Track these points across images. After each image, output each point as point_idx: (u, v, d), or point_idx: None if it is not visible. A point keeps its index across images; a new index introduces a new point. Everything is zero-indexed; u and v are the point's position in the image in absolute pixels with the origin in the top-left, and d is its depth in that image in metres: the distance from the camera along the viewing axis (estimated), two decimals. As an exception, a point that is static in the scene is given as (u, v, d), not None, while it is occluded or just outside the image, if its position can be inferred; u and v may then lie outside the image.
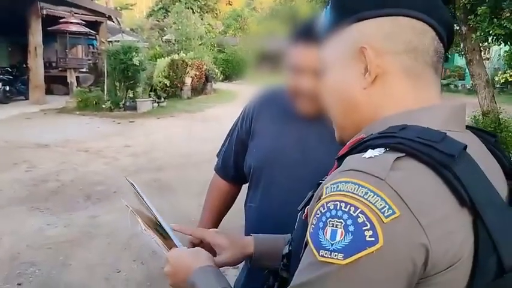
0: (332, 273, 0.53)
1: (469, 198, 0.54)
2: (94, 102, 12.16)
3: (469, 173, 0.56)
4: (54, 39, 14.12)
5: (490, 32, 3.50)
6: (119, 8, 24.73)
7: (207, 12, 27.49)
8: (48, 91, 14.08)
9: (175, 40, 19.34)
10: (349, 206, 0.53)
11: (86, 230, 4.36)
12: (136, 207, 1.04)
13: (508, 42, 3.92)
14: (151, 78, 13.94)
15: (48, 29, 13.35)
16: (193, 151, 7.64)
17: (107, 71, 12.27)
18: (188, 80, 15.67)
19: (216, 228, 1.55)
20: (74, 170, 6.47)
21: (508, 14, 3.47)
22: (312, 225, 0.56)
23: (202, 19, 22.66)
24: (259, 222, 1.37)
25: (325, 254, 0.53)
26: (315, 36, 1.14)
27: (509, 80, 15.59)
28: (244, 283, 1.40)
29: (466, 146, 0.57)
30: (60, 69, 14.63)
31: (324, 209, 0.55)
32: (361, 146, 0.61)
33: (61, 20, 13.66)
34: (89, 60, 14.77)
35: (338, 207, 0.53)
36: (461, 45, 4.20)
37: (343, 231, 0.52)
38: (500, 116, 3.96)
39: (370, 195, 0.52)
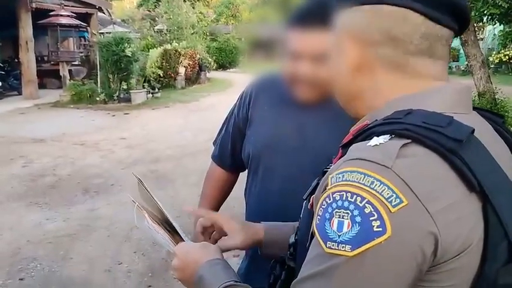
0: (340, 265, 0.52)
1: (478, 184, 0.53)
2: (88, 95, 12.07)
3: (477, 157, 0.54)
4: (45, 32, 13.94)
5: (485, 12, 3.48)
6: (109, -1, 24.42)
7: (198, 0, 27.21)
8: (41, 85, 13.96)
9: (167, 30, 19.16)
10: (355, 196, 0.52)
11: (85, 223, 4.36)
12: (141, 203, 1.03)
13: (503, 22, 3.90)
14: (144, 69, 13.83)
15: (39, 22, 13.17)
16: (189, 141, 7.63)
17: (100, 63, 12.17)
18: (182, 70, 15.57)
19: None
20: (71, 163, 6.45)
21: (502, -7, 3.45)
22: (318, 216, 0.55)
23: (193, 8, 22.44)
24: (260, 209, 1.37)
25: (333, 245, 0.52)
26: (312, 21, 1.12)
27: (504, 60, 15.58)
28: (245, 273, 1.39)
29: (473, 130, 0.56)
30: (52, 62, 14.47)
31: (329, 199, 0.54)
32: (365, 133, 0.59)
33: (51, 13, 13.48)
34: (81, 52, 14.61)
35: (344, 198, 0.52)
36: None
37: (350, 222, 0.51)
38: (496, 97, 3.95)
39: (376, 185, 0.51)
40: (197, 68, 16.63)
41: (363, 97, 0.67)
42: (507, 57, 15.48)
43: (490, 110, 0.74)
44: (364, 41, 0.63)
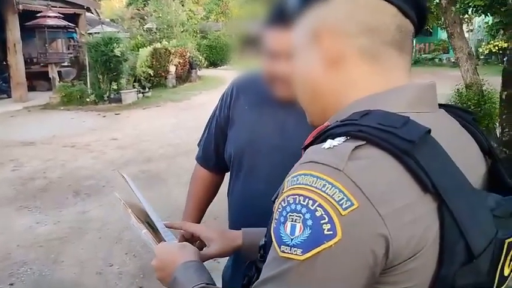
0: (292, 269, 0.52)
1: (432, 185, 0.52)
2: (78, 96, 11.99)
3: (432, 158, 0.54)
4: (32, 34, 13.81)
5: (470, 4, 3.49)
6: (97, -1, 24.24)
7: (187, -2, 27.07)
8: (31, 87, 13.83)
9: (156, 28, 19.05)
10: (307, 199, 0.52)
11: (76, 225, 4.33)
12: (128, 200, 1.05)
13: (487, 13, 3.92)
14: (134, 68, 13.75)
15: (26, 24, 13.05)
16: (181, 140, 7.60)
17: (89, 64, 12.08)
18: (172, 69, 15.51)
19: (201, 217, 1.56)
20: (62, 166, 6.41)
21: (486, -15, 3.47)
22: (275, 220, 0.55)
23: (183, 5, 22.30)
24: (242, 210, 1.37)
25: (286, 249, 0.52)
26: (289, 19, 1.12)
27: (493, 50, 15.65)
28: (232, 271, 1.41)
29: (429, 130, 0.55)
30: (41, 64, 14.31)
31: (284, 203, 0.54)
32: (324, 135, 0.59)
33: (38, 15, 13.36)
34: (70, 53, 14.47)
35: (297, 201, 0.52)
36: (442, 18, 4.18)
37: (302, 225, 0.51)
38: (483, 88, 3.97)
39: (328, 188, 0.51)
40: (188, 66, 16.57)
41: (333, 95, 0.66)
42: (496, 47, 15.56)
43: (459, 107, 0.73)
44: (342, 32, 0.63)
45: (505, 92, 3.70)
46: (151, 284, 3.25)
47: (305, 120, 1.28)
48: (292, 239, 0.52)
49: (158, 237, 0.99)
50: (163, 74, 15.22)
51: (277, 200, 0.57)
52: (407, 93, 0.62)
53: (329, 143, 0.55)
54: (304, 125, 1.24)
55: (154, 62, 14.84)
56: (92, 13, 16.98)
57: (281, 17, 1.13)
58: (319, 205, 0.51)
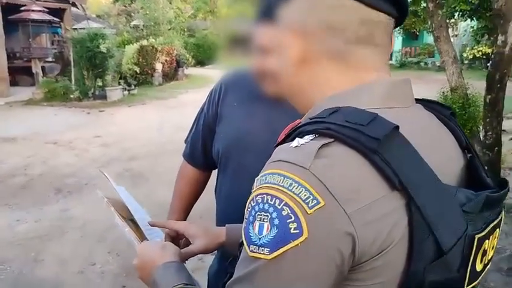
0: (260, 269, 0.52)
1: (399, 181, 0.52)
2: (62, 92, 11.83)
3: (399, 154, 0.54)
4: (16, 28, 13.60)
5: (456, 8, 3.52)
6: (83, -6, 23.95)
7: (175, -4, 26.93)
8: (13, 83, 13.60)
9: (143, 25, 18.92)
10: (274, 198, 0.52)
11: (58, 224, 4.26)
12: (112, 198, 1.05)
13: (474, 17, 3.97)
14: (120, 65, 13.63)
15: (10, 17, 12.84)
16: (166, 139, 7.54)
17: (74, 60, 11.93)
18: (159, 66, 15.41)
19: (187, 215, 1.54)
20: (43, 163, 6.30)
21: (472, -10, 3.51)
22: (245, 219, 0.55)
23: (170, 3, 22.17)
24: (229, 207, 1.36)
25: (254, 249, 0.53)
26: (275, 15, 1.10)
27: (477, 55, 15.91)
28: (218, 266, 1.40)
29: (397, 126, 0.55)
30: (24, 59, 14.12)
31: (253, 202, 0.54)
32: (295, 133, 0.59)
33: (22, 8, 13.16)
34: (54, 49, 14.30)
35: (265, 200, 0.52)
36: (429, 22, 4.21)
37: (269, 224, 0.51)
38: (468, 92, 4.01)
39: (294, 186, 0.51)
40: (175, 64, 16.49)
41: (306, 93, 0.66)
42: (480, 53, 15.81)
43: (437, 102, 0.73)
44: (304, 33, 0.62)
45: (489, 96, 3.75)
46: (134, 283, 3.20)
47: (294, 117, 1.28)
48: (260, 238, 0.52)
49: (141, 235, 0.98)
50: (149, 71, 15.12)
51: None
52: (379, 88, 0.62)
53: (297, 141, 0.55)
54: (293, 121, 1.24)
55: (140, 60, 14.74)
56: (78, 8, 16.77)
57: (266, 13, 1.12)
58: (286, 204, 0.51)
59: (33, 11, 13.11)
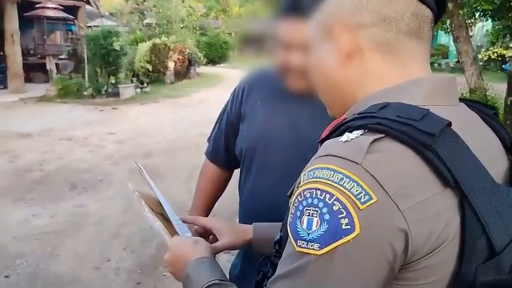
0: (309, 264, 0.51)
1: (453, 179, 0.51)
2: (75, 89, 11.91)
3: (452, 151, 0.52)
4: (31, 25, 13.73)
5: (478, 8, 3.47)
6: (97, -8, 24.11)
7: (187, -6, 27.00)
8: (28, 79, 13.72)
9: (156, 24, 19.00)
10: (324, 193, 0.50)
11: (73, 219, 4.28)
12: (142, 192, 1.03)
13: (495, 17, 3.91)
14: (133, 63, 13.70)
15: (25, 14, 12.96)
16: (179, 136, 7.56)
17: (87, 57, 12.00)
18: (171, 65, 15.46)
19: (208, 213, 1.54)
20: (58, 159, 6.35)
21: (495, -11, 3.45)
22: (291, 215, 0.54)
23: (183, 1, 22.24)
24: (253, 205, 1.35)
25: (303, 244, 0.51)
26: (303, 10, 1.10)
27: (492, 57, 15.72)
28: (241, 268, 1.39)
29: (450, 123, 0.54)
30: (38, 56, 14.25)
31: (301, 197, 0.53)
32: (341, 128, 0.58)
33: (37, 5, 13.27)
34: (68, 46, 14.39)
35: (314, 195, 0.51)
36: (448, 22, 4.16)
37: (319, 220, 0.50)
38: (487, 93, 3.96)
39: (345, 181, 0.50)
40: (187, 62, 16.52)
41: (349, 89, 0.65)
42: (495, 54, 15.62)
43: (480, 102, 0.72)
44: (355, 24, 0.62)
45: (510, 98, 3.69)
46: (149, 280, 3.21)
47: (318, 115, 1.27)
48: (309, 234, 0.51)
49: (172, 230, 0.98)
50: (161, 69, 15.17)
51: (293, 194, 0.56)
52: (426, 85, 0.61)
53: (346, 136, 0.54)
54: (317, 119, 1.22)
55: (153, 58, 14.79)
56: (92, 6, 16.88)
57: (294, 8, 1.12)
58: (337, 199, 0.50)
59: (48, 8, 13.22)
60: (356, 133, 0.54)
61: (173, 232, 0.97)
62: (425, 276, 0.52)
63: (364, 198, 0.49)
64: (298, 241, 0.52)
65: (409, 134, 0.52)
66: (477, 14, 3.56)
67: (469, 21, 4.25)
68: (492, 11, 3.52)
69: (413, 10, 0.61)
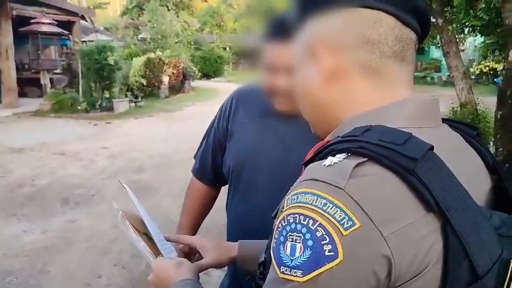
0: None
1: (436, 203, 0.51)
2: (69, 103, 11.89)
3: (435, 176, 0.52)
4: (25, 40, 13.76)
5: (466, 24, 3.52)
6: (92, 7, 24.28)
7: (182, 9, 27.21)
8: (22, 94, 13.69)
9: (150, 38, 19.11)
10: (307, 219, 0.50)
11: (64, 235, 4.24)
12: (127, 211, 1.02)
13: (484, 33, 3.97)
14: (127, 77, 13.72)
15: (20, 30, 12.99)
16: (173, 150, 7.54)
17: (82, 72, 12.02)
18: (165, 79, 15.50)
19: (196, 231, 1.52)
20: (51, 174, 6.31)
21: (483, 5, 3.50)
22: (275, 239, 0.53)
23: (178, 16, 22.42)
24: (240, 223, 1.34)
25: (285, 270, 0.51)
26: (288, 33, 1.11)
27: (484, 71, 15.88)
28: (229, 286, 1.37)
29: (432, 147, 0.54)
30: (33, 71, 14.24)
31: (284, 222, 0.52)
32: (325, 151, 0.57)
33: (32, 21, 13.31)
34: (63, 61, 14.41)
35: (297, 221, 0.51)
36: (438, 37, 4.22)
37: (302, 246, 0.50)
38: (477, 107, 3.99)
39: (329, 207, 0.49)
40: (181, 77, 16.58)
41: (333, 110, 0.65)
42: (487, 68, 15.79)
43: (463, 122, 0.72)
44: (339, 46, 0.62)
45: (500, 112, 3.72)
46: (140, 297, 3.17)
47: (306, 134, 1.27)
48: (292, 260, 0.50)
49: (156, 250, 0.97)
50: (156, 84, 15.20)
51: (277, 218, 0.55)
52: (408, 107, 0.61)
53: (330, 160, 0.54)
54: (305, 138, 1.22)
55: (147, 72, 14.84)
56: (87, 21, 16.97)
57: (279, 32, 1.11)
58: (320, 225, 0.49)
59: (43, 23, 13.25)
60: (339, 157, 0.54)
61: (157, 252, 0.96)
62: None
63: (347, 224, 0.49)
64: (281, 267, 0.51)
65: (391, 159, 0.52)
66: (466, 30, 3.62)
67: (458, 37, 4.29)
68: (481, 27, 3.58)
69: (397, 33, 0.61)
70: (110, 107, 11.99)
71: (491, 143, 3.94)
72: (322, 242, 0.49)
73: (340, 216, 0.49)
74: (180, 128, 9.91)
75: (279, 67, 1.14)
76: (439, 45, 4.32)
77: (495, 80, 14.86)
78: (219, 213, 1.71)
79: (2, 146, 7.88)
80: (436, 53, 19.16)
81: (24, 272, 3.50)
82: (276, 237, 0.53)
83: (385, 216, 0.50)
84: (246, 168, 1.30)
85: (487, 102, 3.98)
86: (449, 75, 4.09)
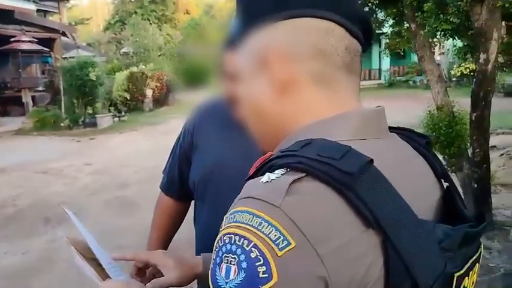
0: None
1: (374, 219, 0.49)
2: (52, 121, 11.80)
3: (373, 190, 0.51)
4: (6, 58, 13.65)
5: (437, 28, 3.58)
6: (73, 23, 24.20)
7: (165, 22, 27.29)
8: (4, 113, 13.58)
9: (133, 52, 19.07)
10: (242, 239, 0.48)
11: (46, 255, 4.19)
12: (73, 237, 1.03)
13: (455, 37, 4.04)
14: (110, 92, 13.67)
15: (-1, 48, 12.91)
16: (157, 164, 7.42)
17: (64, 88, 11.95)
18: (149, 92, 15.46)
19: (166, 247, 1.50)
20: (33, 193, 6.23)
21: (453, 9, 3.57)
22: (212, 260, 0.51)
23: (160, 30, 22.44)
24: (208, 237, 1.32)
25: None
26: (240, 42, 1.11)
27: (465, 73, 16.10)
28: None
29: (371, 160, 0.52)
30: (15, 89, 14.11)
31: (221, 242, 0.50)
32: (266, 167, 0.55)
33: (12, 39, 13.22)
34: (45, 78, 14.31)
35: (232, 241, 0.49)
36: (413, 42, 4.28)
37: (237, 268, 0.47)
38: (454, 110, 4.04)
39: (264, 226, 0.47)
40: (165, 89, 16.54)
41: (282, 123, 0.63)
42: (468, 70, 16.02)
43: (413, 131, 0.71)
44: (291, 57, 0.60)
45: (475, 114, 3.77)
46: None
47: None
48: (226, 283, 0.48)
49: (105, 274, 0.96)
50: (139, 97, 15.15)
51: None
52: (352, 119, 0.59)
53: (267, 176, 0.52)
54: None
55: (130, 86, 14.78)
56: (68, 37, 16.89)
57: (235, 40, 1.12)
58: (255, 245, 0.47)
59: (22, 41, 13.17)
60: (277, 173, 0.52)
61: (106, 276, 0.95)
62: None
63: (282, 243, 0.47)
64: None
65: (329, 174, 0.50)
66: (438, 34, 3.67)
67: (434, 40, 4.36)
68: (452, 31, 3.65)
69: (347, 44, 0.61)
70: (94, 123, 11.91)
71: (468, 144, 3.98)
72: (257, 264, 0.47)
73: (275, 236, 0.47)
74: (164, 141, 9.83)
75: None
76: (414, 50, 4.37)
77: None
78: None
79: (-17, 167, 7.77)
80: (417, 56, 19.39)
81: (4, 295, 3.44)
82: (214, 258, 0.51)
83: (322, 234, 0.48)
84: (211, 181, 1.30)
85: (467, 103, 4.00)
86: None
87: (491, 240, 3.88)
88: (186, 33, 27.46)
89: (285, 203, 0.48)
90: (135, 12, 25.24)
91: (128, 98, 14.47)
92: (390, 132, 0.66)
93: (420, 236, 0.52)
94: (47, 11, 19.26)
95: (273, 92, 0.62)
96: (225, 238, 0.50)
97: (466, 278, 0.57)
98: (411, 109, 7.98)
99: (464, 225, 0.58)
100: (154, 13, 27.28)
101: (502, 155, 6.55)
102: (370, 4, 4.99)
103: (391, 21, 5.29)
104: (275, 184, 0.50)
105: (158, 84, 15.93)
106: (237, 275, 0.47)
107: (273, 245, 0.47)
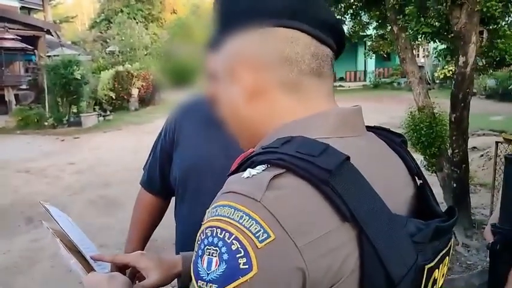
0: None
1: (350, 213, 0.52)
2: (35, 120, 11.66)
3: (350, 185, 0.53)
4: (-12, 56, 13.44)
5: (419, 31, 3.64)
6: (58, 21, 23.93)
7: (152, 21, 27.10)
8: (-14, 111, 13.35)
9: (119, 51, 18.92)
10: (224, 232, 0.50)
11: (27, 254, 4.15)
12: (58, 229, 1.00)
13: (435, 40, 4.11)
14: (95, 91, 13.55)
15: (-19, 46, 12.71)
16: (141, 164, 7.32)
17: (48, 87, 11.81)
18: (135, 91, 15.36)
19: (145, 244, 1.51)
20: (14, 192, 6.16)
21: (433, 13, 3.63)
22: (195, 252, 0.53)
23: (147, 29, 22.29)
24: (188, 235, 1.33)
25: (202, 284, 0.50)
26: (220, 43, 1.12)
27: (448, 75, 16.31)
28: None
29: (348, 157, 0.55)
30: (-3, 87, 13.91)
31: (203, 235, 0.52)
32: (247, 163, 0.58)
33: (-6, 37, 13.04)
34: (29, 76, 14.12)
35: (214, 234, 0.51)
36: (395, 44, 4.34)
37: (218, 259, 0.50)
38: (434, 111, 4.11)
39: (245, 219, 0.50)
40: (151, 89, 16.45)
41: (257, 125, 0.66)
42: (451, 72, 16.24)
43: (388, 130, 0.74)
44: (259, 65, 0.63)
45: (454, 115, 3.84)
46: (104, 314, 3.12)
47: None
48: (208, 274, 0.50)
49: (89, 267, 0.95)
50: (125, 97, 15.05)
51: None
52: (330, 117, 0.62)
53: (248, 172, 0.54)
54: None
55: (116, 85, 14.67)
56: (52, 35, 16.69)
57: (214, 42, 1.13)
58: (236, 238, 0.49)
59: (5, 39, 12.99)
60: (258, 168, 0.54)
61: (90, 269, 0.94)
62: None
63: (262, 236, 0.49)
64: (199, 281, 0.51)
65: (307, 170, 0.52)
66: (419, 37, 3.74)
67: (416, 43, 4.44)
68: (432, 34, 3.72)
69: (314, 51, 0.63)
70: (78, 122, 11.80)
71: (448, 145, 4.05)
72: (237, 255, 0.49)
73: (255, 229, 0.49)
74: (148, 140, 9.69)
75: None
76: (396, 52, 4.44)
77: (458, 83, 15.25)
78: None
79: (-37, 166, 7.65)
80: (401, 59, 19.58)
81: (-17, 294, 3.41)
82: (196, 250, 0.53)
83: (300, 227, 0.50)
84: (192, 178, 1.31)
85: (449, 105, 4.07)
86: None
87: (470, 239, 3.96)
88: (173, 33, 27.33)
89: (266, 197, 0.50)
90: (121, 11, 25.00)
91: (114, 97, 14.37)
92: (367, 130, 0.68)
93: (393, 230, 0.54)
94: (31, 8, 19.04)
95: (244, 99, 0.65)
96: (207, 231, 0.52)
97: (437, 270, 0.60)
98: (394, 110, 8.09)
99: (436, 220, 0.61)
100: (141, 12, 27.07)
101: (482, 155, 6.65)
102: (354, 7, 5.05)
103: (374, 24, 5.36)
104: (256, 179, 0.52)
105: (144, 84, 15.83)
106: (219, 266, 0.49)
107: (253, 238, 0.49)
